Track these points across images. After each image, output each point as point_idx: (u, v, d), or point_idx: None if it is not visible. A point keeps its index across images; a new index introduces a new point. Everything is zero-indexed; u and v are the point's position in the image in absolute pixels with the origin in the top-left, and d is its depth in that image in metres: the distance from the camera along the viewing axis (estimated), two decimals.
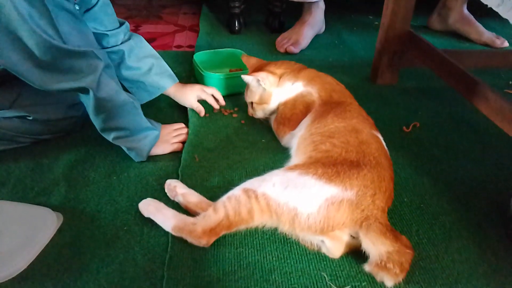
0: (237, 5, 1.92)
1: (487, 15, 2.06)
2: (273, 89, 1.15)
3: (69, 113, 1.13)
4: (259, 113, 1.21)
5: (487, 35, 1.90)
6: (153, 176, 1.02)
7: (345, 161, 0.86)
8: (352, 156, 0.87)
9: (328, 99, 1.08)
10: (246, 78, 1.15)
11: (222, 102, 1.28)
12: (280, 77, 1.15)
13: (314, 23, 1.86)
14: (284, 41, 1.79)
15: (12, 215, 0.89)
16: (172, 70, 1.57)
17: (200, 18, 2.10)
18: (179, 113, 1.29)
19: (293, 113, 1.11)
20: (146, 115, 1.19)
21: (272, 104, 1.17)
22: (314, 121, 1.03)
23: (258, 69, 1.19)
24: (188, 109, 1.28)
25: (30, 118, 1.06)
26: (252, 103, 1.20)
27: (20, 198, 0.95)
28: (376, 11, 2.21)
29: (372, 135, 0.96)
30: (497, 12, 0.89)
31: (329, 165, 0.85)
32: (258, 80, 1.13)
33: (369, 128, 0.98)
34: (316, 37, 1.91)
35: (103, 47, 1.15)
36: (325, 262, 0.81)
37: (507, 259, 0.84)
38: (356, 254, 0.82)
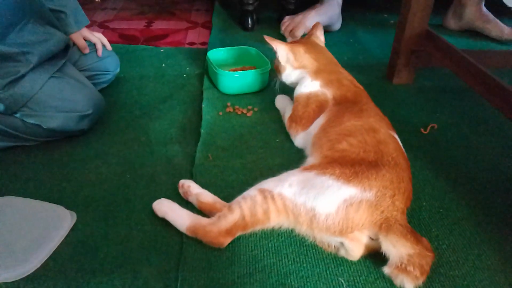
0: (250, 2, 1.89)
1: (504, 14, 2.02)
2: (288, 66, 1.18)
3: (79, 126, 1.10)
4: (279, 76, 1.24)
5: (509, 31, 1.86)
6: (167, 175, 1.01)
7: (363, 161, 0.84)
8: (370, 156, 0.85)
9: (343, 99, 1.06)
10: (273, 42, 1.18)
11: (109, 47, 1.34)
12: (301, 65, 1.16)
13: (323, 11, 1.83)
14: (287, 23, 1.82)
15: (25, 212, 0.88)
16: (185, 67, 1.57)
17: (212, 15, 2.08)
18: (192, 111, 1.28)
19: (305, 111, 1.09)
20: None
21: (283, 78, 1.21)
22: (328, 120, 1.01)
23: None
24: (202, 107, 1.27)
25: (45, 127, 1.05)
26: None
27: (32, 194, 0.94)
28: (391, 10, 2.19)
29: (389, 134, 0.93)
30: None
31: (346, 165, 0.83)
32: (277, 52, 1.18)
33: (386, 128, 0.95)
34: (331, 35, 1.88)
35: None
36: (342, 267, 0.79)
37: None
38: (374, 259, 0.80)
